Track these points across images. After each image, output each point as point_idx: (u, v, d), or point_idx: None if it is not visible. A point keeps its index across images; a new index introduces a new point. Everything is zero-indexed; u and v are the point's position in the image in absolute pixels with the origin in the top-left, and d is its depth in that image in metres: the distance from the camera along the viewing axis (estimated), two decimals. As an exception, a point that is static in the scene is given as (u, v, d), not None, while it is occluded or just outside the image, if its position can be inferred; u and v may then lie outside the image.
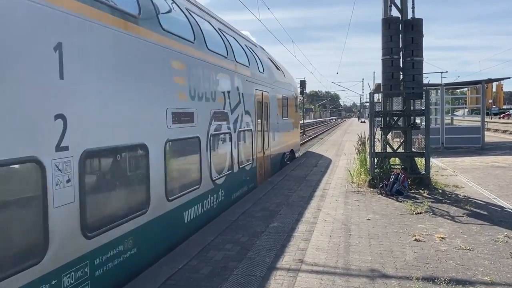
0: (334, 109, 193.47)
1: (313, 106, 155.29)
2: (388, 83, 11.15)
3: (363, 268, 5.50)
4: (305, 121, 54.49)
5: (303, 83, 49.19)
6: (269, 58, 15.96)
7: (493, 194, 10.11)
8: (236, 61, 10.33)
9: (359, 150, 13.62)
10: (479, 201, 9.37)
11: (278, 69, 16.59)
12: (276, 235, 6.96)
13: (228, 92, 9.49)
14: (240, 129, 10.25)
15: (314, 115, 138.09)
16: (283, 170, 15.31)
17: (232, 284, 5.01)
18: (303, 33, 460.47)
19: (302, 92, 51.28)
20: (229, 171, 9.49)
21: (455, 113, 31.96)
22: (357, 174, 12.20)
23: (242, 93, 10.55)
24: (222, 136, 9.09)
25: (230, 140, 9.60)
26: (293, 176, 13.48)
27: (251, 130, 11.36)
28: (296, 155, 19.32)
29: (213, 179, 8.42)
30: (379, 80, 12.80)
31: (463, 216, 8.07)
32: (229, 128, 9.48)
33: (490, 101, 70.29)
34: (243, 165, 10.59)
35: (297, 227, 7.43)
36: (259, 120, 12.41)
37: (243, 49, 11.80)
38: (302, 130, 48.19)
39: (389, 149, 12.00)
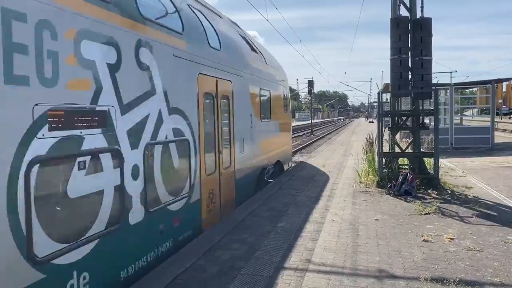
0: (342, 109, 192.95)
1: (321, 106, 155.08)
2: (397, 83, 11.09)
3: (371, 268, 5.48)
4: (313, 121, 54.41)
5: (311, 83, 49.24)
6: (241, 35, 11.64)
7: (503, 194, 10.01)
8: (145, 18, 5.89)
9: (367, 150, 13.58)
10: (489, 202, 9.28)
11: (255, 51, 12.01)
12: (283, 235, 6.95)
13: (112, 69, 5.04)
14: (152, 142, 5.92)
15: (322, 115, 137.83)
16: (289, 171, 15.26)
17: (239, 284, 5.01)
18: (311, 33, 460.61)
19: (310, 92, 51.32)
20: (110, 227, 4.94)
21: (464, 113, 31.70)
22: (365, 174, 12.15)
23: (163, 77, 6.23)
24: (84, 160, 4.62)
25: (119, 164, 5.13)
26: (300, 176, 13.45)
27: (187, 140, 7.00)
28: (286, 167, 14.94)
29: (41, 259, 3.92)
30: (388, 80, 12.75)
31: (472, 217, 8.00)
32: (114, 142, 5.03)
33: (500, 101, 69.69)
34: (161, 205, 6.14)
35: (304, 227, 7.42)
36: (210, 123, 8.20)
37: (174, 5, 7.39)
38: (310, 130, 48.14)
39: (397, 149, 11.94)
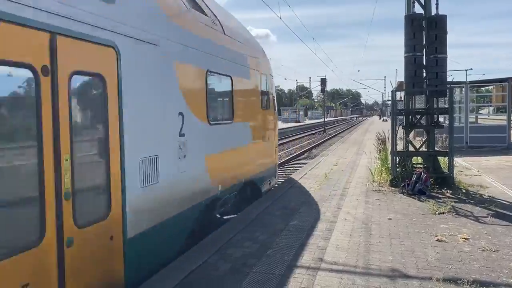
0: (355, 107, 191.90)
1: (333, 104, 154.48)
2: (411, 81, 10.99)
3: (384, 268, 5.44)
4: (325, 119, 54.19)
5: (323, 81, 49.12)
6: None
7: (519, 194, 9.85)
8: None
9: (380, 149, 13.47)
10: (505, 202, 9.13)
11: (200, 10, 7.69)
12: (295, 233, 6.94)
13: None
14: None
15: (335, 114, 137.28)
16: (302, 168, 15.21)
17: (251, 282, 5.02)
18: (324, 30, 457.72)
19: (322, 90, 51.14)
20: None
21: (480, 112, 31.27)
22: (378, 173, 12.07)
23: None
24: None
25: None
26: (313, 174, 13.41)
27: None
28: (266, 187, 10.90)
29: None
30: (402, 78, 12.60)
31: (487, 217, 7.89)
32: None
33: (517, 99, 68.44)
34: None
35: (316, 226, 7.39)
36: (23, 133, 3.92)
37: None
38: (323, 129, 47.93)
39: (411, 148, 11.83)
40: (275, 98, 12.10)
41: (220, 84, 8.26)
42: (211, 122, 7.38)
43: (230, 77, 8.43)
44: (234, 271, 5.37)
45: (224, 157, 8.01)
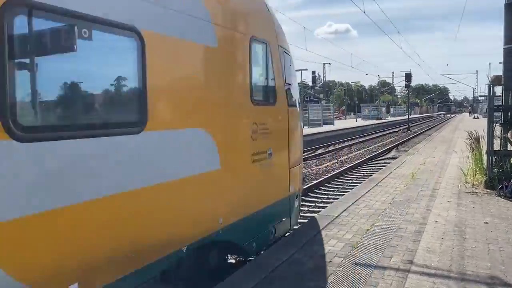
0: (443, 103, 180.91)
1: (418, 101, 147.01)
2: (511, 75, 10.12)
3: (481, 274, 5.08)
4: (409, 116, 51.80)
5: (408, 76, 47.09)
6: None
7: None
8: None
9: (473, 148, 12.58)
10: None
11: None
12: (382, 234, 6.72)
13: None
14: None
15: (420, 110, 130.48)
16: (387, 167, 14.73)
17: (337, 280, 4.96)
18: (409, 23, 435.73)
19: (407, 86, 48.98)
20: None
21: None
22: (471, 173, 11.28)
23: None
24: None
25: None
26: (398, 174, 12.90)
27: None
28: (268, 239, 6.44)
29: None
30: (496, 72, 11.63)
31: None
32: None
33: None
34: None
35: (404, 227, 7.10)
36: None
37: None
38: (407, 126, 45.81)
39: (510, 147, 10.89)
40: (291, 86, 7.06)
41: (93, 44, 3.49)
42: (27, 133, 2.97)
43: (136, 32, 3.83)
44: (319, 268, 5.34)
45: (101, 212, 3.51)
